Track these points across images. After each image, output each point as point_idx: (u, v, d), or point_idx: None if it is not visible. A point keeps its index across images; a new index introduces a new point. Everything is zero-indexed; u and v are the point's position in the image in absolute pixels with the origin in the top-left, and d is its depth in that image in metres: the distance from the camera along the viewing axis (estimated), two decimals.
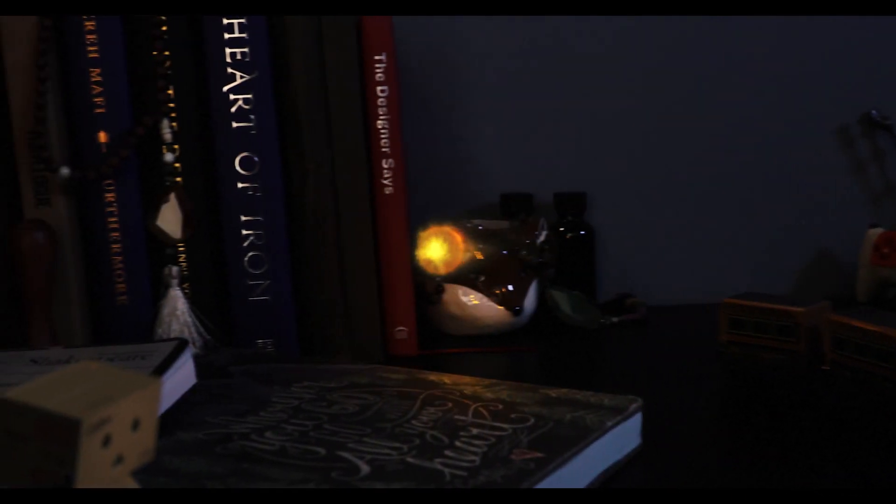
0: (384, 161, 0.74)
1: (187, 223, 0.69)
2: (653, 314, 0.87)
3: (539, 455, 0.46)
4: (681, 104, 0.92)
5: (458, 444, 0.48)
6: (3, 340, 0.66)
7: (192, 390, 0.56)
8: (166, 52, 0.69)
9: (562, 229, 0.89)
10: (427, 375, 0.60)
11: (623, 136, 0.93)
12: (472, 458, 0.46)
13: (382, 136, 0.74)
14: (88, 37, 0.68)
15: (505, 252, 0.80)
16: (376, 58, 0.73)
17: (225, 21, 0.69)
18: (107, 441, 0.35)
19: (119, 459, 0.36)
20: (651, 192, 0.93)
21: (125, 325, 0.70)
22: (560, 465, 0.45)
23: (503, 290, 0.80)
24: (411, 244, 0.76)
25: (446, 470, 0.44)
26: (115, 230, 0.69)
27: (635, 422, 0.54)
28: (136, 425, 0.37)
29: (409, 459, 0.46)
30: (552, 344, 0.79)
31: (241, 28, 0.69)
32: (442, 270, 0.75)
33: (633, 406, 0.53)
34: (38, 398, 0.34)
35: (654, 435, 0.55)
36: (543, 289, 0.84)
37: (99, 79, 0.68)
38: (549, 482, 0.45)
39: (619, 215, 0.93)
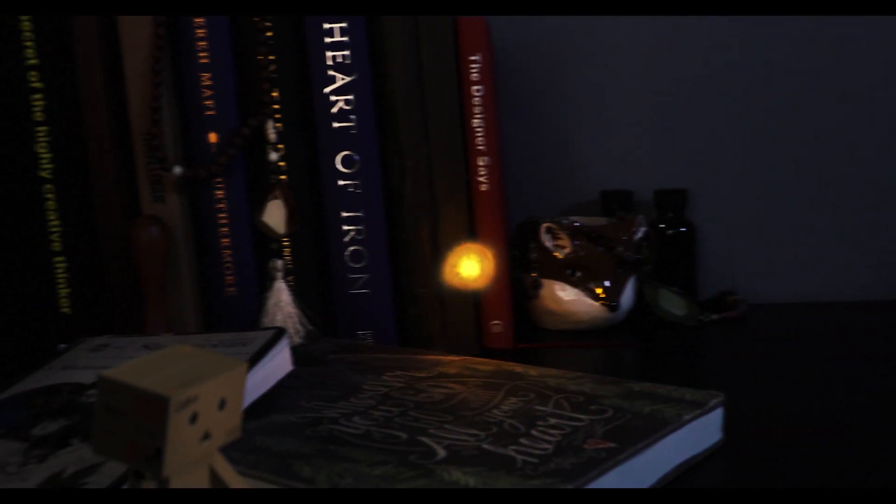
0: (480, 158, 0.76)
1: (291, 219, 0.72)
2: (755, 312, 0.87)
3: (611, 445, 0.47)
4: (785, 98, 0.91)
5: (534, 432, 0.49)
6: (122, 327, 0.71)
7: (290, 376, 0.59)
8: (271, 56, 0.72)
9: (662, 226, 0.89)
10: (514, 367, 0.62)
11: (725, 132, 0.92)
12: (546, 446, 0.47)
13: (478, 134, 0.76)
14: (199, 43, 0.72)
15: (601, 248, 0.81)
16: (472, 58, 0.75)
17: (326, 25, 0.72)
18: (194, 418, 0.38)
19: (206, 436, 0.39)
20: (754, 189, 0.92)
21: (233, 315, 0.74)
22: (631, 455, 0.46)
23: (600, 286, 0.80)
24: (506, 240, 0.78)
25: (518, 456, 0.46)
26: (224, 225, 0.73)
27: (716, 417, 0.54)
28: (222, 405, 0.40)
29: (485, 446, 0.48)
30: (649, 340, 0.80)
31: (342, 32, 0.72)
32: (472, 287, 0.75)
33: (714, 401, 0.54)
34: (133, 377, 0.37)
35: (740, 432, 0.56)
36: (642, 285, 0.85)
37: (209, 83, 0.72)
38: (620, 472, 0.46)
39: (722, 212, 0.93)
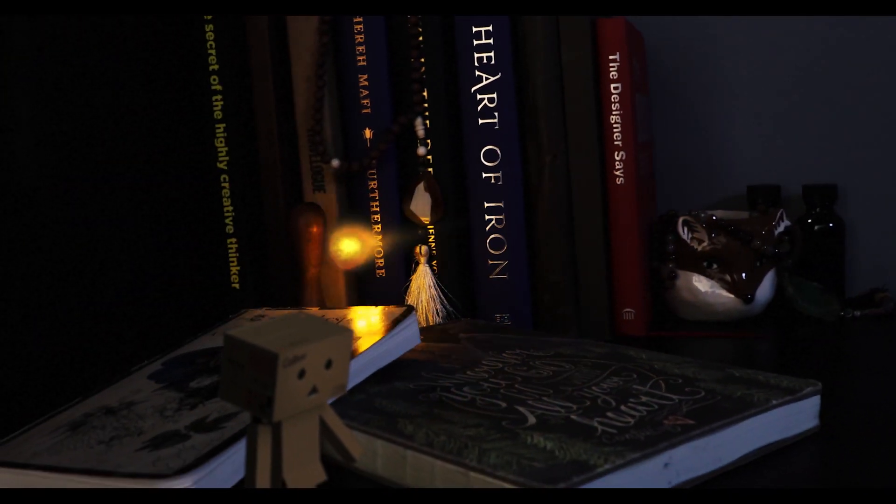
0: (616, 154, 0.80)
1: (436, 208, 0.79)
2: None
3: (689, 422, 0.50)
4: None
5: (623, 408, 0.53)
6: (282, 302, 0.79)
7: (418, 350, 0.65)
8: (422, 59, 0.79)
9: (809, 221, 0.90)
10: (627, 351, 0.65)
11: (877, 127, 0.91)
12: (629, 419, 0.51)
13: (615, 130, 0.79)
14: (358, 48, 0.79)
15: (739, 242, 0.83)
16: (610, 57, 0.79)
17: (474, 28, 0.78)
18: (301, 374, 0.45)
19: (314, 390, 0.45)
20: None
21: (382, 294, 0.81)
22: (706, 432, 0.50)
23: (735, 278, 0.82)
24: (641, 232, 0.81)
25: (600, 427, 0.50)
26: (376, 212, 0.81)
27: (810, 404, 0.56)
28: (329, 364, 0.46)
29: (573, 416, 0.52)
30: (785, 334, 0.81)
31: (487, 35, 0.78)
32: (350, 265, 0.77)
33: (809, 389, 0.56)
34: (252, 337, 0.45)
35: (844, 423, 0.57)
36: (782, 279, 0.85)
37: (366, 84, 0.80)
38: (694, 446, 0.49)
39: (874, 208, 0.92)
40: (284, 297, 0.79)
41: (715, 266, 0.83)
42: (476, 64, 0.79)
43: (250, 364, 0.44)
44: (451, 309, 0.79)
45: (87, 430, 0.54)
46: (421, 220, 0.79)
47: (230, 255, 0.79)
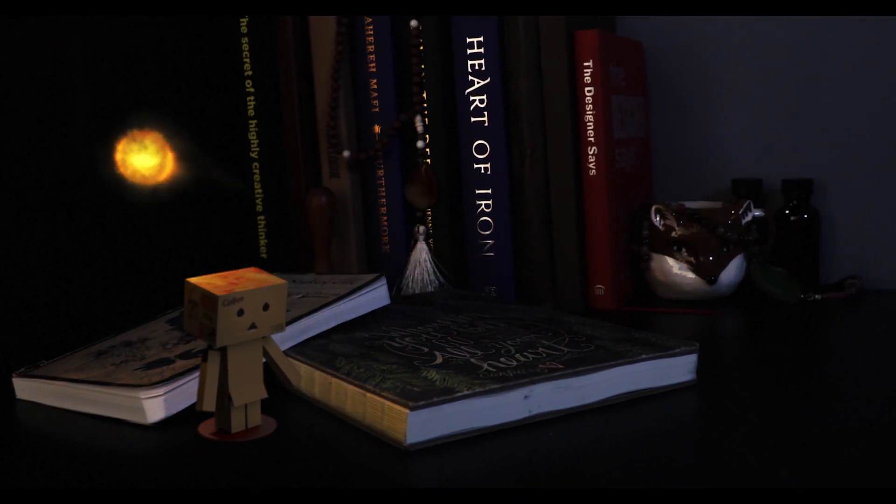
0: (590, 149, 0.91)
1: (432, 194, 0.92)
2: (875, 298, 0.92)
3: (559, 367, 0.62)
4: None
5: (518, 355, 0.65)
6: (302, 270, 0.94)
7: (386, 309, 0.79)
8: (422, 65, 0.92)
9: (787, 212, 0.98)
10: (563, 317, 0.77)
11: (855, 125, 0.98)
12: (514, 363, 0.63)
13: (588, 128, 0.91)
14: (370, 56, 0.93)
15: (705, 229, 0.92)
16: (585, 64, 0.90)
17: (468, 39, 0.91)
18: (240, 313, 0.59)
19: (252, 326, 0.60)
20: (885, 179, 0.98)
21: (387, 267, 0.95)
22: (568, 375, 0.61)
23: (701, 261, 0.92)
24: (611, 217, 0.92)
25: (485, 366, 0.62)
26: (382, 196, 0.94)
27: (685, 361, 0.66)
28: (266, 307, 0.60)
29: (472, 360, 0.64)
30: (746, 313, 0.90)
31: (479, 45, 0.90)
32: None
33: (684, 348, 0.66)
34: (204, 282, 0.59)
35: (724, 380, 0.68)
36: (751, 264, 0.94)
37: (376, 87, 0.94)
38: (556, 385, 0.61)
39: (851, 201, 0.99)
40: (304, 266, 0.94)
41: (683, 250, 0.93)
42: (469, 70, 0.91)
43: (202, 303, 0.59)
44: (443, 280, 0.92)
45: (108, 356, 0.70)
46: (419, 204, 0.92)
47: (259, 230, 0.95)
